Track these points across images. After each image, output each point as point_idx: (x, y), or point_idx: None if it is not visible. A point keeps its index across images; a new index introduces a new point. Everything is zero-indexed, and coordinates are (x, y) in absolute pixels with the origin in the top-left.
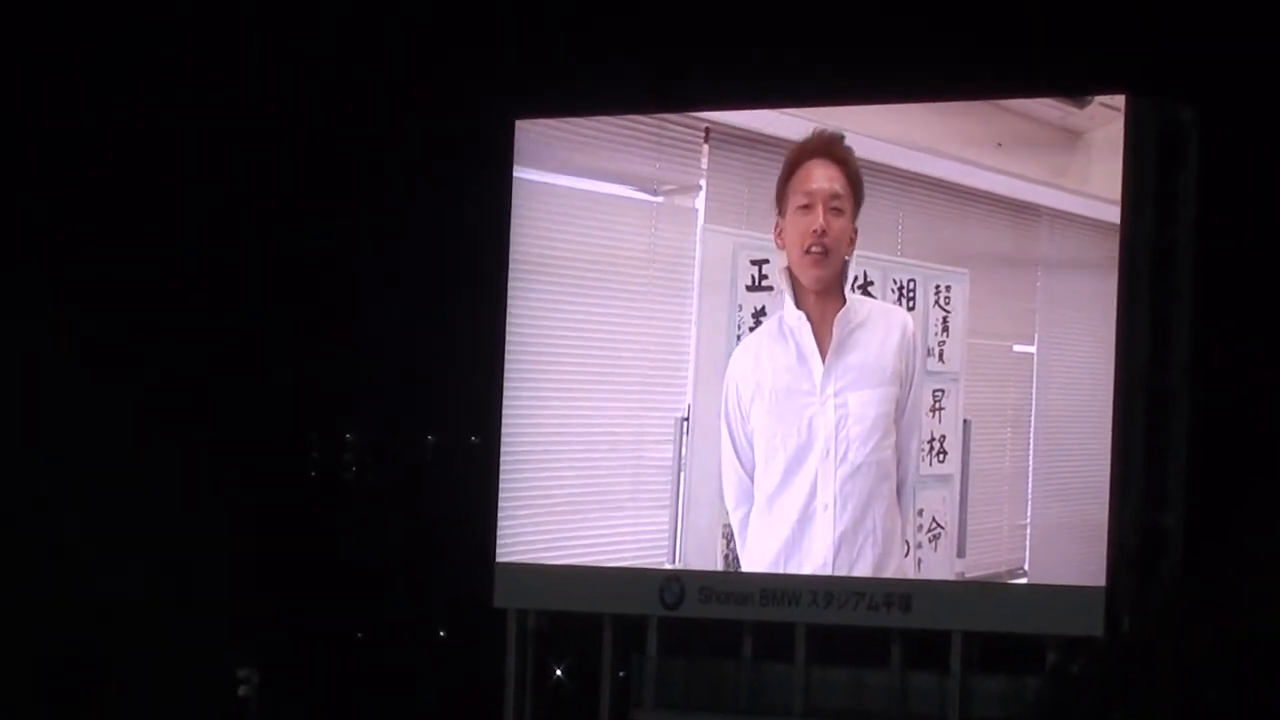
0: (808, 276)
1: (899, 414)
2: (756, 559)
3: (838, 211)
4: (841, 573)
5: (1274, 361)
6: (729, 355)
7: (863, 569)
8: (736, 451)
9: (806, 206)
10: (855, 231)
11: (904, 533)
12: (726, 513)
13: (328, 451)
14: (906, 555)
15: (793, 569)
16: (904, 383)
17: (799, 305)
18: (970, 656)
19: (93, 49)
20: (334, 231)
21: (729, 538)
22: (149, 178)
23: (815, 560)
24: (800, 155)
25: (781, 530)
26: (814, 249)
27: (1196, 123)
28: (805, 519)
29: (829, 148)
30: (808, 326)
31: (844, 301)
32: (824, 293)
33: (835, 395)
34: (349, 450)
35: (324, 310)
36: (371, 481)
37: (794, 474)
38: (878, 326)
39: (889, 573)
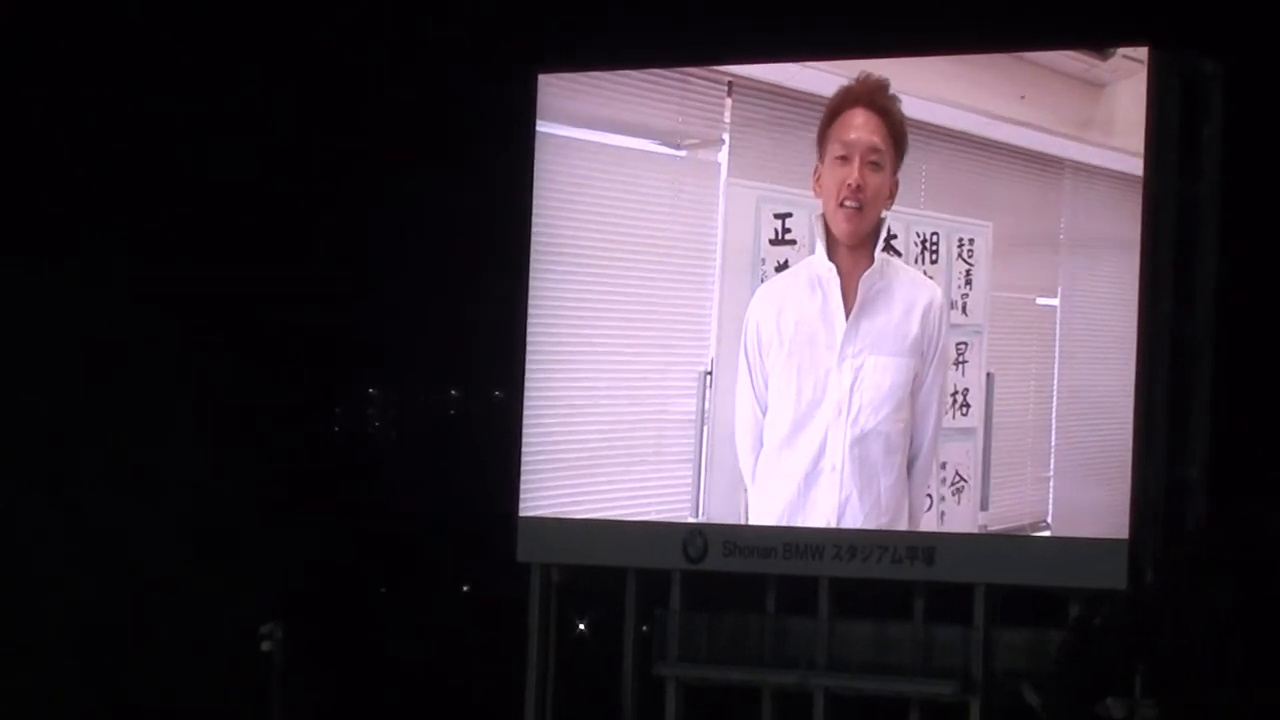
0: (840, 230)
1: (916, 387)
2: (765, 512)
3: (876, 166)
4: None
5: None
6: (749, 306)
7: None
8: (754, 389)
9: (844, 158)
10: (896, 185)
11: (912, 511)
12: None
13: (352, 407)
14: (929, 509)
15: (797, 526)
16: (925, 356)
17: (830, 257)
18: (993, 609)
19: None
20: (360, 188)
21: (749, 490)
22: (183, 133)
23: (819, 521)
24: (843, 101)
25: (789, 485)
26: (848, 203)
27: (1220, 75)
28: (812, 476)
29: (872, 96)
30: (837, 280)
31: (873, 260)
32: (856, 247)
33: (854, 356)
34: (373, 405)
35: (348, 266)
36: (395, 437)
37: (804, 427)
38: (905, 294)
39: None
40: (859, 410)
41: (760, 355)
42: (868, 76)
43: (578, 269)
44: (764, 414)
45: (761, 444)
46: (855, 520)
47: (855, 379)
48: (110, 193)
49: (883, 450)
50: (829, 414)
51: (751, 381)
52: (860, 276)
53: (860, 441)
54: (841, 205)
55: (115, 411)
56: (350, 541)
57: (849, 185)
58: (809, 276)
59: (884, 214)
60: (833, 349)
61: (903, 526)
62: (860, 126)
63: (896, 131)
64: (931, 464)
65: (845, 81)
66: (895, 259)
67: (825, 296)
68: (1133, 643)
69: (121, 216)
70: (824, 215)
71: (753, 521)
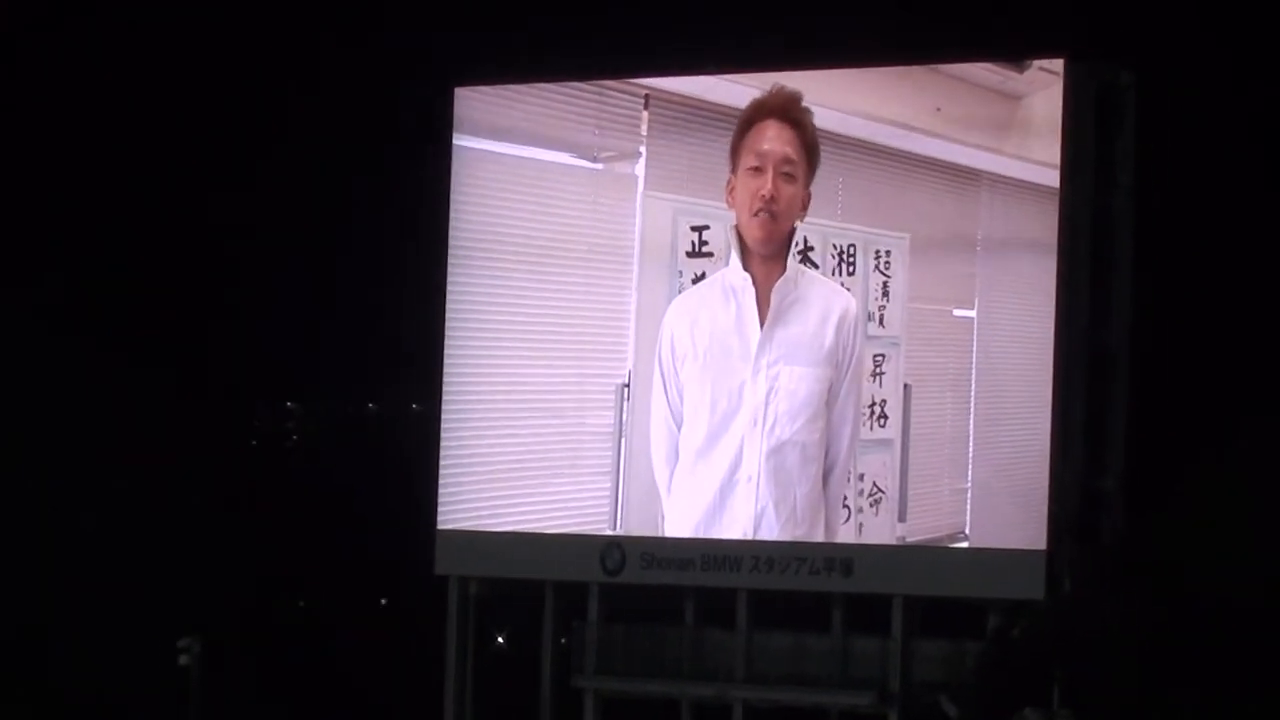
0: (754, 239)
1: (832, 397)
2: (681, 523)
3: (789, 177)
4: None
5: (1213, 326)
6: (664, 317)
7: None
8: (668, 401)
9: (757, 169)
10: (808, 197)
11: (829, 522)
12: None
13: (270, 420)
14: (846, 521)
15: (713, 537)
16: (840, 366)
17: (745, 268)
18: (912, 620)
19: None
20: (278, 201)
21: (664, 503)
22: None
23: (735, 532)
24: (756, 113)
25: (705, 496)
26: (762, 213)
27: (1135, 87)
28: (728, 487)
29: (785, 108)
30: (751, 291)
31: (786, 269)
32: (769, 257)
33: (769, 366)
34: (291, 418)
35: (264, 279)
36: (313, 450)
37: (719, 438)
38: (820, 304)
39: None
40: (775, 421)
41: (675, 367)
42: (781, 88)
43: (495, 282)
44: (679, 427)
45: (677, 456)
46: (771, 530)
47: (770, 389)
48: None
49: (799, 460)
50: (745, 424)
51: (666, 394)
52: (773, 288)
53: (776, 452)
54: (755, 215)
55: (27, 425)
56: (268, 555)
57: (762, 195)
58: (723, 287)
59: (797, 224)
60: (747, 359)
61: (819, 537)
62: (773, 138)
63: (809, 143)
64: (847, 474)
65: (761, 94)
66: (810, 269)
67: (740, 307)
68: (1050, 653)
69: (30, 230)
70: (737, 226)
71: (669, 533)
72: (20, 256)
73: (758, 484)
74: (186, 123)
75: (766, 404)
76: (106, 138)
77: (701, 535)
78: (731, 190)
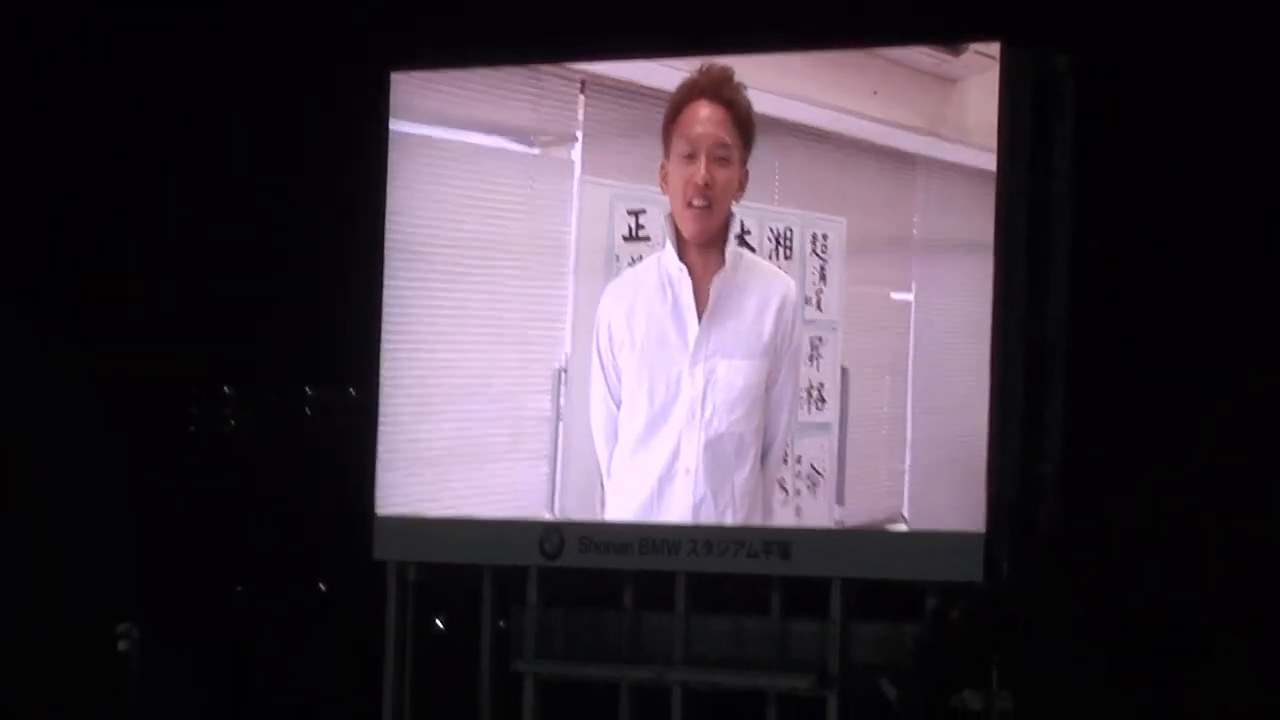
0: (690, 229)
1: (770, 383)
2: (620, 511)
3: (723, 161)
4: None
5: (1152, 312)
6: (600, 300)
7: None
8: (607, 384)
9: (690, 155)
10: (745, 175)
11: (765, 495)
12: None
13: (207, 405)
14: (784, 504)
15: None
16: (779, 353)
17: (681, 257)
18: (850, 603)
19: None
20: (213, 186)
21: (604, 483)
22: (31, 125)
23: (675, 521)
24: (687, 95)
25: (644, 487)
26: (696, 202)
27: (1073, 71)
28: (667, 479)
29: (717, 88)
30: (688, 282)
31: (724, 261)
32: (706, 245)
33: (706, 360)
34: (228, 404)
35: (199, 264)
36: (250, 435)
37: (658, 428)
38: (758, 292)
39: None
40: (712, 413)
41: (612, 351)
42: (710, 67)
43: (432, 266)
44: (618, 408)
45: (616, 438)
46: (710, 518)
47: (708, 382)
48: None
49: (735, 449)
50: (682, 416)
51: (605, 375)
52: (711, 278)
53: (714, 443)
54: (690, 205)
55: None
56: (206, 540)
57: (696, 184)
58: (659, 274)
59: (733, 208)
60: (685, 352)
61: (757, 521)
62: (705, 120)
63: (743, 122)
64: (783, 456)
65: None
66: (748, 253)
67: (676, 298)
68: (989, 635)
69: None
70: (672, 215)
71: (609, 517)
72: None
73: (695, 475)
74: (114, 105)
75: (704, 397)
76: (32, 119)
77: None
78: (665, 177)
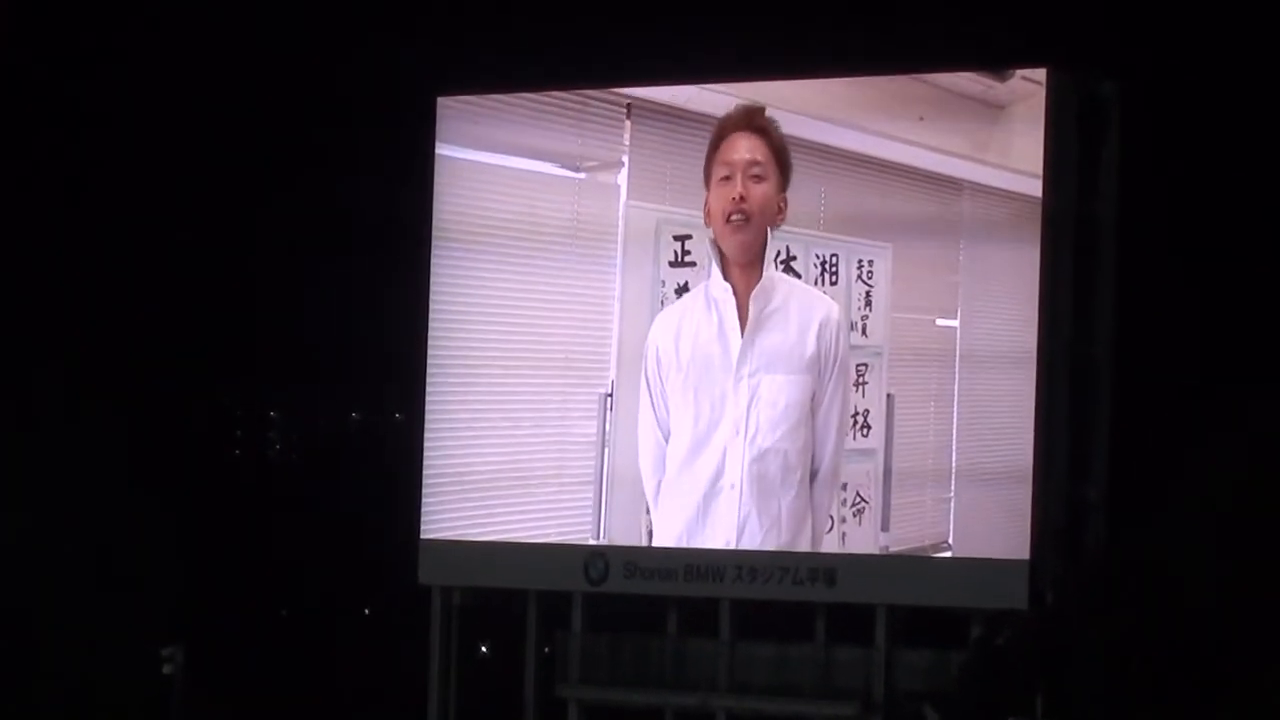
0: (729, 244)
1: (815, 405)
2: (666, 532)
3: (757, 179)
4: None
5: (1196, 335)
6: (649, 331)
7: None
8: (655, 414)
9: (727, 178)
10: (784, 201)
11: (815, 527)
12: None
13: (253, 430)
14: (829, 531)
15: (697, 545)
16: (823, 373)
17: (726, 278)
18: (895, 630)
19: None
20: (260, 211)
21: (652, 514)
22: (66, 160)
23: (719, 539)
24: (723, 129)
25: (689, 504)
26: (734, 216)
27: (1118, 97)
28: (711, 495)
29: (749, 119)
30: (732, 300)
31: (763, 277)
32: (748, 265)
33: (750, 376)
34: (274, 428)
35: (249, 288)
36: (296, 459)
37: (703, 447)
38: (801, 311)
39: None
40: (756, 429)
41: (660, 379)
42: (743, 105)
43: (479, 292)
44: (666, 439)
45: (664, 468)
46: (754, 537)
47: (752, 398)
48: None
49: (781, 468)
50: (727, 433)
51: (653, 406)
52: (751, 294)
53: (758, 460)
54: (728, 221)
55: (14, 434)
56: (252, 564)
57: (733, 199)
58: (706, 298)
59: (773, 230)
60: (729, 369)
61: (804, 545)
62: (740, 148)
63: (776, 148)
64: (834, 481)
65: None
66: (789, 276)
67: (721, 317)
68: (1034, 663)
69: (16, 247)
70: (715, 238)
71: (656, 541)
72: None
73: (740, 492)
74: (171, 132)
75: (748, 413)
76: (94, 145)
77: (685, 543)
78: (708, 209)
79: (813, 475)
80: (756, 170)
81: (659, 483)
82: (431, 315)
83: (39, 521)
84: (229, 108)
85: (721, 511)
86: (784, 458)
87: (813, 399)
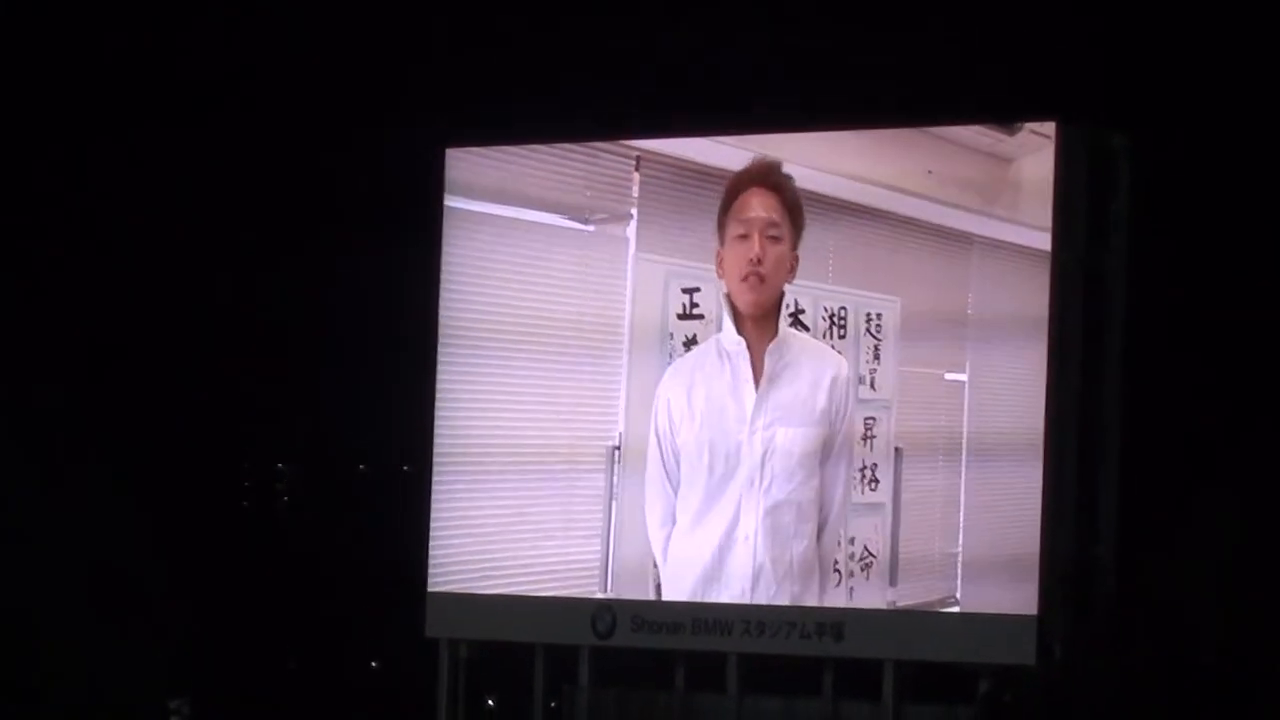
0: (744, 302)
1: (824, 457)
2: (677, 585)
3: (774, 239)
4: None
5: (1207, 391)
6: (660, 383)
7: (779, 604)
8: (664, 466)
9: (743, 235)
10: (796, 259)
11: (822, 577)
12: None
13: (260, 481)
14: (837, 585)
15: (711, 596)
16: (833, 426)
17: (738, 332)
18: (902, 685)
19: None
20: (266, 262)
21: (659, 566)
22: (83, 204)
23: (733, 590)
24: (738, 184)
25: (702, 556)
26: (750, 276)
27: (1127, 149)
28: (726, 546)
29: (765, 175)
30: (746, 354)
31: (778, 332)
32: (761, 320)
33: (765, 428)
34: (281, 480)
35: (256, 339)
36: (304, 511)
37: (717, 499)
38: (812, 367)
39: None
40: (771, 480)
41: (671, 432)
42: (761, 159)
43: (486, 342)
44: (675, 492)
45: (674, 520)
46: (769, 588)
47: (767, 450)
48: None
49: (795, 518)
50: (741, 485)
51: (663, 458)
52: (765, 349)
53: (773, 511)
54: (744, 280)
55: (19, 484)
56: (259, 616)
57: (750, 259)
58: (718, 351)
59: (785, 287)
60: (743, 421)
61: (814, 591)
62: (757, 205)
63: (792, 206)
64: (838, 535)
65: (751, 157)
66: (801, 332)
67: (734, 370)
68: (1042, 718)
69: (24, 296)
70: (729, 294)
71: (666, 593)
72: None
73: (755, 543)
74: (178, 191)
75: (763, 464)
76: (101, 209)
77: (700, 594)
78: (720, 262)
79: (820, 526)
80: (773, 231)
81: (668, 535)
82: (439, 366)
83: (43, 572)
84: (238, 161)
85: (737, 562)
86: (797, 509)
87: (821, 450)
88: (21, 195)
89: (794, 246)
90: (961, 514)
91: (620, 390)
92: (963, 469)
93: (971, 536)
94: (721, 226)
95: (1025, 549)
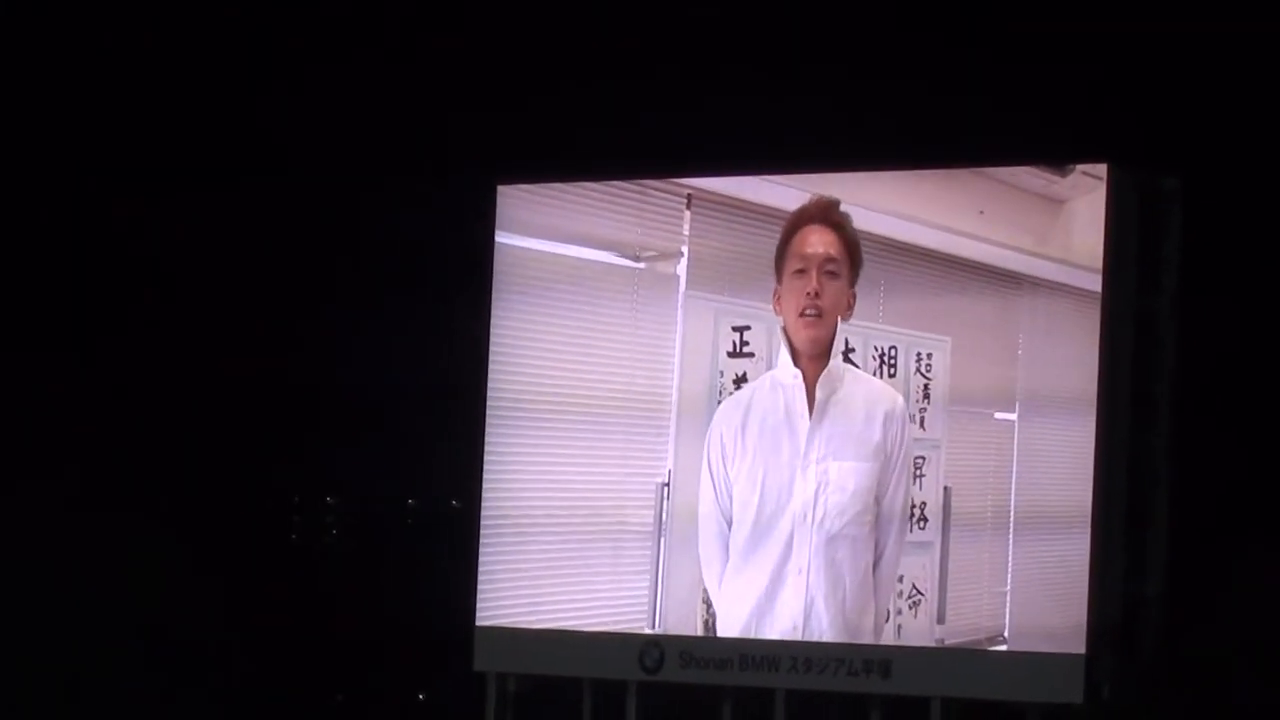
0: (801, 338)
1: (881, 492)
2: (732, 617)
3: (832, 275)
4: (810, 640)
5: (1258, 432)
6: (709, 421)
7: (830, 639)
8: (718, 502)
9: (801, 271)
10: (854, 296)
11: (877, 613)
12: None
13: (309, 517)
14: (886, 621)
15: (764, 630)
16: (889, 461)
17: (795, 365)
18: None
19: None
20: (317, 296)
21: (708, 603)
22: (128, 247)
23: (784, 624)
24: (797, 222)
25: (755, 590)
26: (808, 311)
27: (1179, 192)
28: (778, 580)
29: (824, 213)
30: (801, 387)
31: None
32: (817, 357)
33: (819, 461)
34: (330, 514)
35: (306, 374)
36: (353, 545)
37: (769, 533)
38: (866, 401)
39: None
40: (824, 514)
41: (724, 466)
42: (820, 198)
43: (536, 379)
44: (729, 527)
45: (728, 555)
46: (820, 621)
47: (820, 483)
48: (55, 317)
49: (850, 554)
50: (795, 518)
51: (716, 492)
52: (818, 381)
53: (827, 545)
54: (802, 315)
55: (63, 523)
56: (307, 649)
57: (808, 294)
58: (772, 384)
59: (841, 324)
60: (797, 453)
61: (869, 626)
62: (815, 242)
63: (850, 244)
64: (894, 569)
65: (802, 195)
66: (854, 367)
67: (789, 403)
68: None
69: (70, 339)
70: (785, 328)
71: (720, 626)
72: (55, 362)
73: (808, 576)
74: (228, 217)
75: (816, 498)
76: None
77: (753, 627)
78: (778, 298)
79: (875, 561)
80: (831, 267)
81: (722, 570)
82: (489, 403)
83: (89, 608)
84: (290, 196)
85: (789, 596)
86: (851, 543)
87: (877, 486)
88: (113, 257)
89: (852, 284)
90: (1010, 552)
91: (669, 427)
92: (1011, 507)
93: (1020, 575)
94: (779, 264)
95: (1074, 587)
